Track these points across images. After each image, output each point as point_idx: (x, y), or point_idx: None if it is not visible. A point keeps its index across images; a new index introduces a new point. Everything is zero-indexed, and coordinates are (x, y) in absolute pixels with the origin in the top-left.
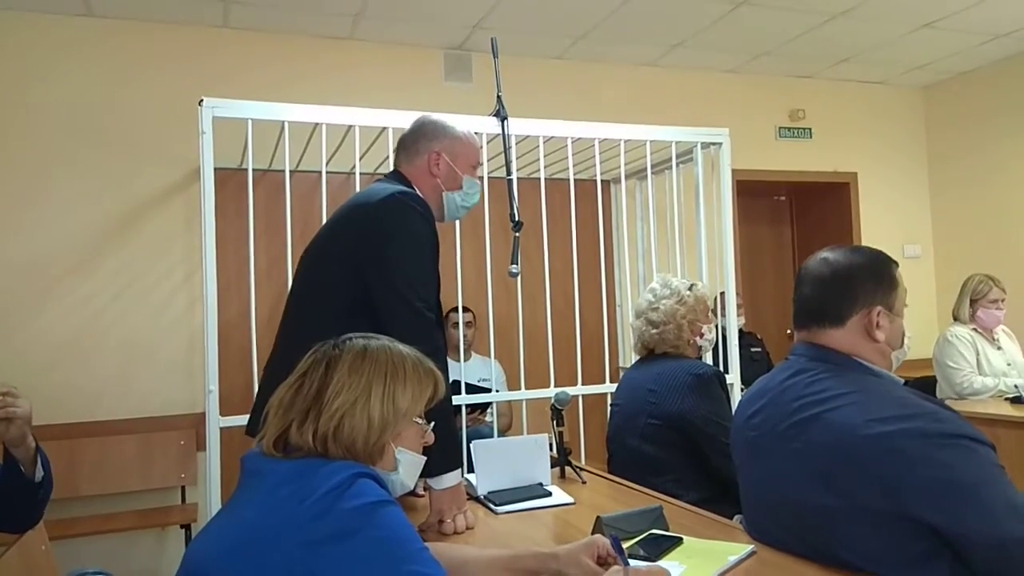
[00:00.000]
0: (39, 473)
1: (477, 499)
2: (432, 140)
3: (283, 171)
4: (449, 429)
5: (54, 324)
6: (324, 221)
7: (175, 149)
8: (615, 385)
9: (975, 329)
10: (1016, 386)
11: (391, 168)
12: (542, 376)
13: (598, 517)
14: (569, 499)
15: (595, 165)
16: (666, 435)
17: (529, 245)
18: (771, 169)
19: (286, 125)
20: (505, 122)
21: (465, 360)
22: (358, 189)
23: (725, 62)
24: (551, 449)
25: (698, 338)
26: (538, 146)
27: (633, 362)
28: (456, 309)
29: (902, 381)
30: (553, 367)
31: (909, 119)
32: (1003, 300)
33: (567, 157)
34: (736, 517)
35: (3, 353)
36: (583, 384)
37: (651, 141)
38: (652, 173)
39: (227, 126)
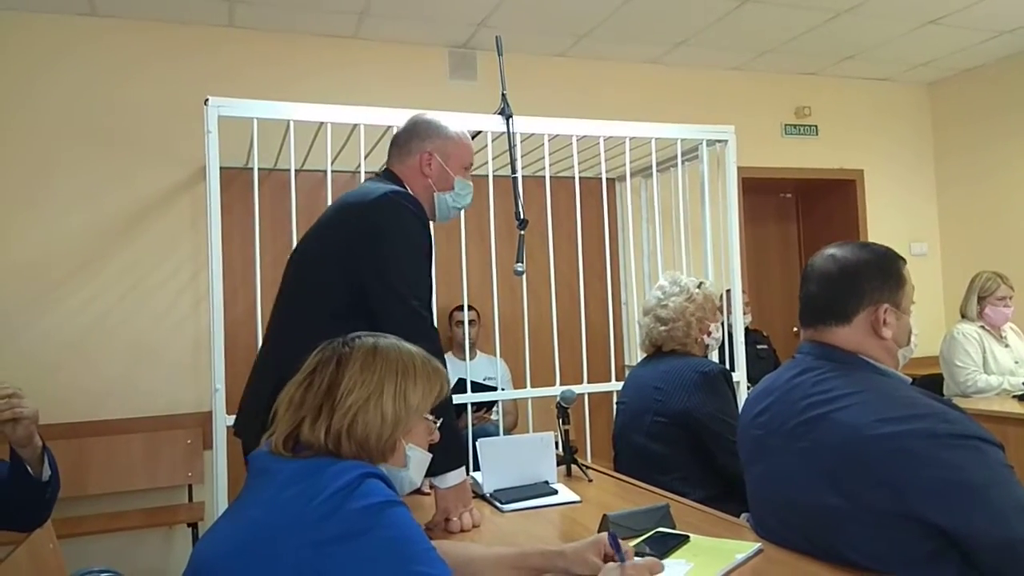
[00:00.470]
0: (46, 472)
1: (483, 497)
2: (424, 140)
3: (288, 170)
4: (452, 428)
5: (61, 323)
6: None
7: (180, 148)
8: (621, 383)
9: (983, 327)
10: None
11: None
12: (547, 374)
13: (604, 515)
14: (575, 497)
15: (600, 163)
16: (672, 433)
17: (534, 243)
18: (777, 166)
19: (291, 124)
20: (510, 120)
21: (470, 359)
22: None
23: (730, 59)
24: (557, 447)
25: (705, 336)
26: (543, 144)
27: (639, 360)
28: (461, 308)
29: (910, 380)
30: (559, 365)
31: (915, 116)
32: (1011, 297)
33: (572, 155)
34: (743, 515)
35: (10, 353)
36: (589, 382)
37: (656, 139)
38: (657, 171)
39: (232, 125)
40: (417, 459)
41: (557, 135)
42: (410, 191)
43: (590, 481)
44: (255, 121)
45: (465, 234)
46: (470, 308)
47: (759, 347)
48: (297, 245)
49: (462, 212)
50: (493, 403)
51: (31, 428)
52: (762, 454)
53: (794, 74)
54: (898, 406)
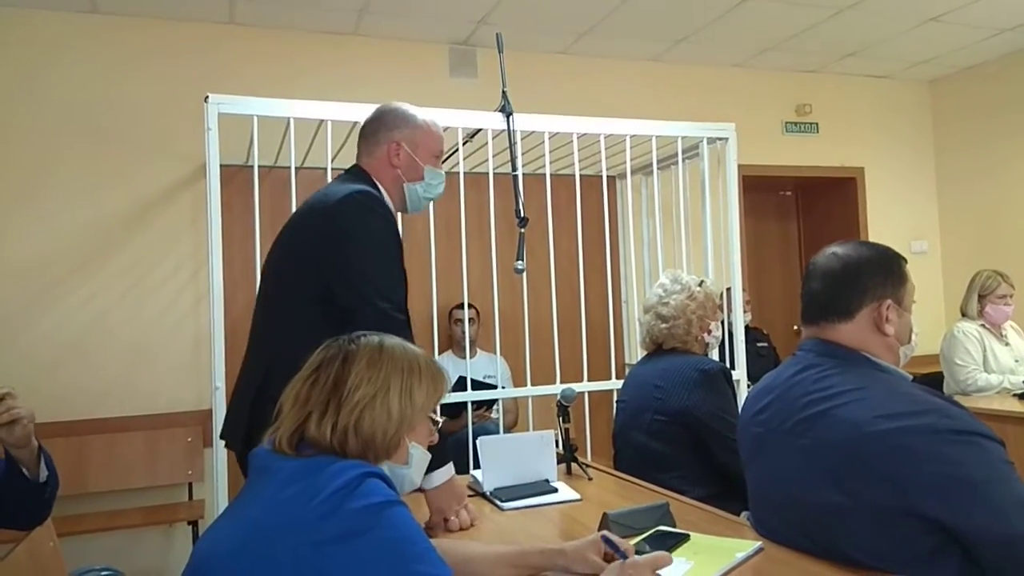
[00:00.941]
0: (43, 473)
1: (483, 495)
2: (392, 129)
3: (288, 167)
4: None
5: (61, 321)
6: None
7: (180, 146)
8: (621, 381)
9: (983, 325)
10: None
11: None
12: (548, 372)
13: (604, 514)
14: (575, 495)
15: (601, 161)
16: (672, 431)
17: (535, 241)
18: (777, 164)
19: (291, 121)
20: (510, 118)
21: (470, 357)
22: None
23: (731, 57)
24: (557, 445)
25: (706, 335)
26: (543, 142)
27: (639, 358)
28: (461, 306)
29: (910, 377)
30: (559, 363)
31: (916, 113)
32: (1011, 296)
33: (572, 153)
34: (743, 514)
35: (11, 351)
36: (589, 380)
37: (657, 136)
38: (658, 168)
39: (233, 122)
40: (418, 458)
41: (557, 132)
42: (379, 185)
43: (590, 479)
44: (255, 118)
45: (465, 232)
46: (470, 306)
47: (759, 345)
48: (271, 248)
49: (462, 210)
50: (493, 401)
51: (28, 428)
52: (763, 452)
53: (795, 71)
54: (899, 402)
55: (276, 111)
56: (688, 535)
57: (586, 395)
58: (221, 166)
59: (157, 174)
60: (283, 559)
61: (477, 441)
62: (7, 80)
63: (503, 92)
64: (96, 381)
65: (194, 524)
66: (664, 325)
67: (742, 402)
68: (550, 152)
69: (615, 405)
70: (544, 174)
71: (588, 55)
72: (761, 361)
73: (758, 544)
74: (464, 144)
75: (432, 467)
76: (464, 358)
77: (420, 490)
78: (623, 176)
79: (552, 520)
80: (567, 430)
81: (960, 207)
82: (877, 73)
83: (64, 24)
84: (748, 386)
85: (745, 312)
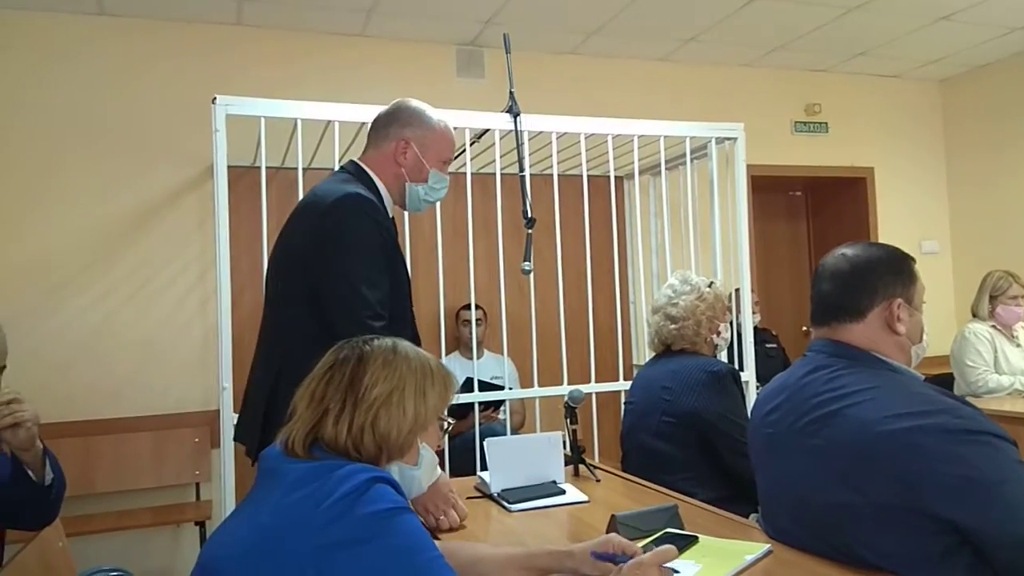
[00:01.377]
0: (48, 476)
1: (491, 497)
2: (404, 127)
3: (296, 168)
4: None
5: (69, 322)
6: None
7: (188, 147)
8: (629, 383)
9: (994, 326)
10: None
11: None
12: (555, 374)
13: (613, 515)
14: (583, 497)
15: (608, 161)
16: (680, 433)
17: (542, 242)
18: (787, 164)
19: (299, 123)
20: (518, 118)
21: (477, 358)
22: None
23: (739, 56)
24: (565, 447)
25: (715, 336)
26: (551, 142)
27: (648, 359)
28: (468, 307)
29: (922, 377)
30: (566, 365)
31: (926, 113)
32: (1023, 297)
33: (580, 153)
34: (752, 516)
35: (19, 351)
36: (596, 382)
37: (665, 137)
38: (666, 169)
39: (240, 124)
40: (428, 460)
41: (565, 133)
42: (377, 182)
43: (598, 481)
44: (262, 120)
45: (472, 232)
46: (477, 307)
47: (768, 346)
48: (273, 248)
49: (469, 211)
50: (500, 402)
51: (32, 431)
52: (774, 452)
53: (804, 71)
54: (911, 402)
55: (283, 112)
56: (697, 537)
57: (594, 396)
58: (228, 167)
59: (164, 175)
60: (290, 563)
61: (484, 442)
62: (15, 82)
63: (510, 93)
64: (104, 382)
65: (202, 525)
66: (673, 326)
67: (752, 403)
68: (557, 153)
69: (623, 407)
70: (551, 175)
71: (596, 55)
72: (770, 362)
73: (767, 547)
74: (471, 145)
75: None
76: (471, 359)
77: None
78: (631, 177)
79: (560, 522)
80: (575, 431)
81: (971, 207)
82: (887, 72)
83: (71, 26)
84: (757, 387)
85: (754, 313)
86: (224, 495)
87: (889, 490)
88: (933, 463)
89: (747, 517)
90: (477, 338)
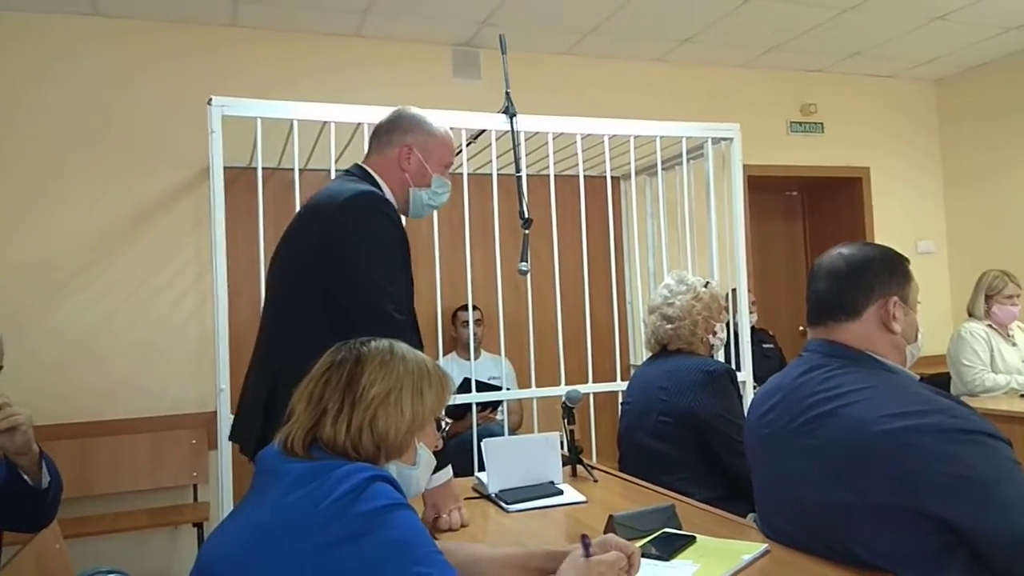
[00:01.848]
0: (45, 479)
1: (488, 497)
2: (406, 133)
3: (292, 169)
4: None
5: (66, 324)
6: None
7: (184, 148)
8: (626, 383)
9: (990, 325)
10: None
11: None
12: (552, 374)
13: (610, 516)
14: (581, 497)
15: (605, 161)
16: (677, 432)
17: (539, 242)
18: (783, 164)
19: (295, 123)
20: (514, 119)
21: (475, 358)
22: None
23: (735, 57)
24: (562, 447)
25: (711, 336)
26: (547, 143)
27: (644, 359)
28: (465, 307)
29: (918, 377)
30: (564, 365)
31: (921, 113)
32: (1018, 296)
33: (576, 153)
34: (749, 516)
35: (16, 353)
36: (594, 382)
37: (661, 137)
38: (662, 169)
39: (236, 125)
40: (426, 459)
41: (561, 133)
42: (383, 185)
43: (595, 481)
44: (258, 120)
45: (469, 233)
46: (474, 308)
47: (765, 346)
48: (276, 249)
49: (466, 211)
50: (498, 403)
51: (28, 435)
52: (770, 453)
53: (800, 71)
54: (906, 401)
55: (279, 113)
56: (694, 537)
57: (591, 397)
58: (224, 168)
59: (160, 176)
60: (289, 562)
61: (482, 443)
62: (9, 83)
63: (506, 93)
64: (101, 383)
65: (199, 526)
66: (669, 326)
67: (748, 403)
68: (554, 153)
69: (620, 407)
70: (548, 175)
71: (592, 56)
72: (767, 362)
73: (764, 546)
74: (468, 145)
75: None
76: (468, 359)
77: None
78: (627, 177)
79: (557, 522)
80: (572, 432)
81: (967, 207)
82: (882, 72)
83: (66, 27)
84: (754, 387)
85: (751, 313)
86: (222, 496)
87: (884, 489)
88: (928, 462)
89: (744, 517)
90: (475, 339)
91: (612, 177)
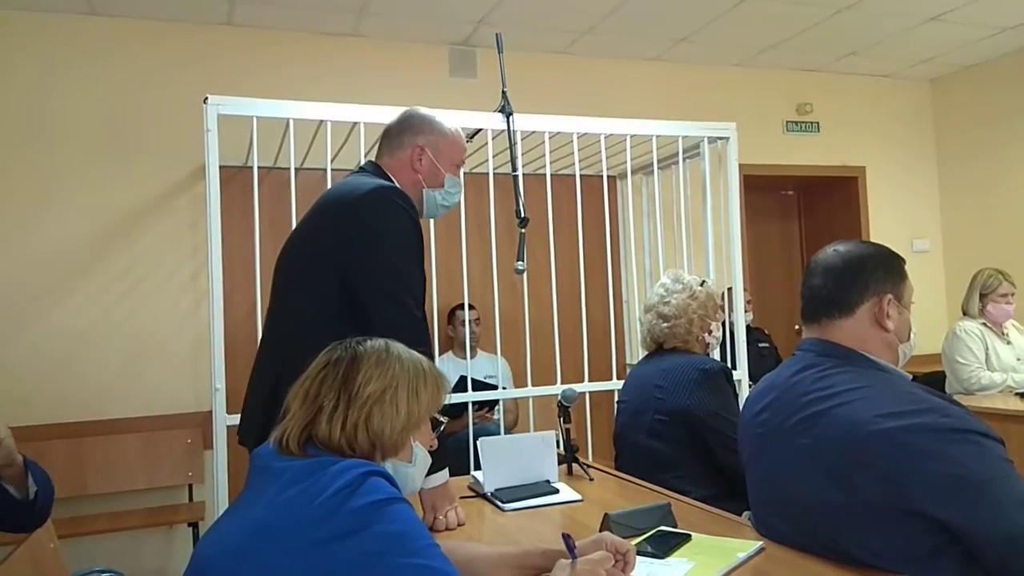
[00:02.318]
0: (31, 489)
1: (484, 496)
2: (417, 134)
3: (288, 168)
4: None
5: (61, 323)
6: None
7: (179, 147)
8: (622, 382)
9: (984, 324)
10: None
11: None
12: (548, 373)
13: (606, 514)
14: (576, 496)
15: (601, 161)
16: (673, 431)
17: (535, 241)
18: (778, 164)
19: (291, 122)
20: (510, 118)
21: (471, 357)
22: None
23: (731, 56)
24: (558, 446)
25: (706, 335)
26: (544, 142)
27: (640, 358)
28: (462, 306)
29: (910, 376)
30: (559, 364)
31: (917, 113)
32: (1013, 294)
33: (573, 153)
34: (744, 514)
35: (9, 354)
36: (590, 381)
37: (657, 136)
38: (658, 168)
39: (232, 124)
40: (422, 458)
41: (558, 133)
42: (397, 185)
43: (591, 480)
44: (254, 119)
45: (466, 232)
46: (471, 307)
47: (760, 345)
48: (286, 244)
49: (463, 210)
50: (494, 402)
51: (8, 446)
52: (764, 452)
53: (795, 71)
54: (899, 401)
55: (275, 112)
56: (689, 535)
57: (587, 395)
58: (220, 167)
59: (156, 176)
60: (286, 559)
61: (478, 442)
62: (4, 83)
63: (503, 92)
64: (96, 383)
65: (194, 526)
66: (665, 324)
67: (743, 402)
68: (550, 152)
69: (616, 405)
70: (544, 174)
71: (588, 55)
72: (762, 361)
73: (759, 544)
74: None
75: (430, 470)
76: (465, 358)
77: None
78: (623, 176)
79: (553, 521)
80: (568, 430)
81: (962, 206)
82: (878, 72)
83: (62, 26)
84: (749, 386)
85: (746, 312)
86: (217, 496)
87: (878, 489)
88: (922, 462)
89: (739, 515)
90: (472, 338)
91: (608, 176)
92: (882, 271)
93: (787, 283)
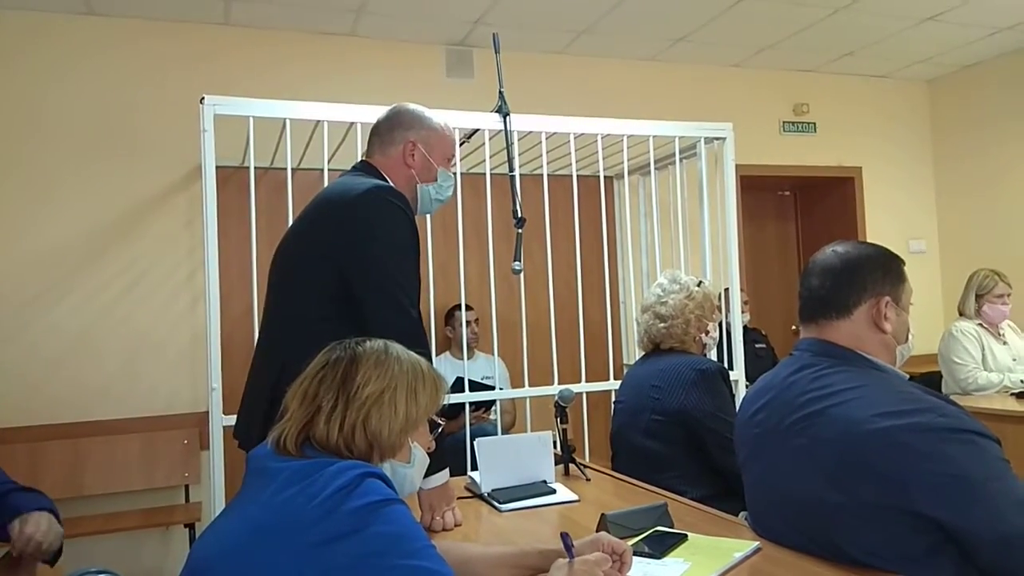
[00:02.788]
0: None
1: (481, 497)
2: (408, 129)
3: (285, 168)
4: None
5: (57, 324)
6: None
7: (176, 147)
8: (619, 382)
9: (981, 324)
10: (1022, 381)
11: None
12: (545, 373)
13: (602, 514)
14: (573, 496)
15: (598, 161)
16: (670, 431)
17: (532, 242)
18: (775, 164)
19: (287, 123)
20: (507, 118)
21: (468, 358)
22: None
23: (728, 56)
24: (555, 446)
25: (703, 335)
26: (541, 142)
27: (637, 358)
28: (459, 307)
29: (907, 377)
30: (556, 364)
31: (914, 113)
32: (1009, 295)
33: (570, 153)
34: (741, 514)
35: (9, 354)
36: (587, 381)
37: (654, 136)
38: (655, 168)
39: (229, 124)
40: (420, 458)
41: (555, 133)
42: (391, 183)
43: (588, 480)
44: (251, 119)
45: (463, 233)
46: (468, 308)
47: (757, 346)
48: (281, 243)
49: (460, 211)
50: (491, 402)
51: (51, 541)
52: (760, 451)
53: (792, 71)
54: (896, 401)
55: (272, 112)
56: (686, 535)
57: (584, 396)
58: (217, 167)
59: (152, 176)
60: (283, 560)
61: (475, 442)
62: (1, 82)
63: (500, 92)
64: (92, 384)
65: (191, 527)
66: (662, 324)
67: (739, 403)
68: (547, 152)
69: (613, 406)
70: (541, 174)
71: (585, 55)
72: (759, 361)
73: (755, 544)
74: (461, 145)
75: (430, 471)
76: (462, 359)
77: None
78: (620, 176)
79: (550, 521)
80: (565, 431)
81: (958, 206)
82: (875, 72)
83: (59, 26)
84: (746, 386)
85: (743, 312)
86: (213, 497)
87: (874, 488)
88: (918, 461)
89: (736, 515)
90: (468, 339)
91: (605, 177)
92: (880, 273)
93: (784, 283)
